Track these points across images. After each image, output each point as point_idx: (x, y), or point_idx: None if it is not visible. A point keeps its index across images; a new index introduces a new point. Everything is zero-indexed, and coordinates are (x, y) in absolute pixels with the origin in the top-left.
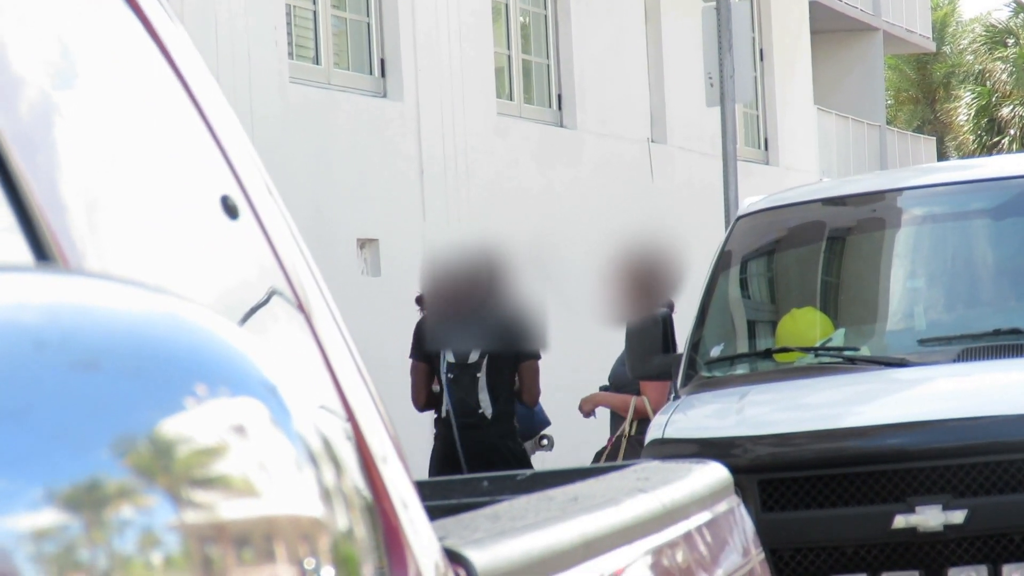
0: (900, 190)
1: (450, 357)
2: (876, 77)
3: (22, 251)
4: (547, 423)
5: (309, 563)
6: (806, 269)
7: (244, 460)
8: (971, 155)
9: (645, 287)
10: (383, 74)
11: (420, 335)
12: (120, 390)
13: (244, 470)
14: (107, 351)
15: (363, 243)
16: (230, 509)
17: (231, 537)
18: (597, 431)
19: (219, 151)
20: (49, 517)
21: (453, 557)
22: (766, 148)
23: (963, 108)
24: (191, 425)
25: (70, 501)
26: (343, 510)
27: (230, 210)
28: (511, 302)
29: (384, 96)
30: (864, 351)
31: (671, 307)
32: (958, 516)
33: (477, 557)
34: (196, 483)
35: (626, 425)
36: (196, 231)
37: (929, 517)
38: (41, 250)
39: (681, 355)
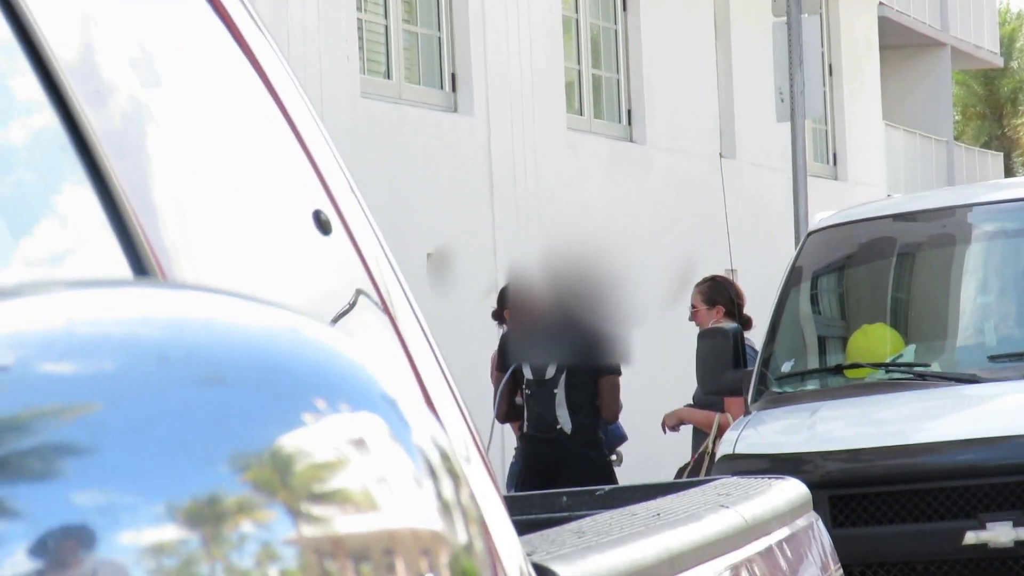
0: (970, 206)
1: (528, 373)
2: (944, 92)
3: (121, 264)
4: (624, 439)
5: None
6: (877, 285)
7: (364, 474)
8: None
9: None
10: (454, 89)
11: (504, 347)
12: (243, 405)
13: (364, 484)
14: (231, 365)
15: (431, 256)
16: (350, 524)
17: (350, 552)
18: (673, 448)
19: (311, 166)
20: (169, 532)
21: (541, 572)
22: (835, 163)
23: None
24: (312, 439)
25: (190, 516)
26: (462, 524)
27: (322, 225)
28: (591, 315)
29: (455, 111)
30: (935, 367)
31: (748, 324)
32: None
33: (565, 572)
34: (316, 498)
35: (709, 442)
36: (289, 246)
37: (1000, 533)
38: (140, 263)
39: (752, 371)
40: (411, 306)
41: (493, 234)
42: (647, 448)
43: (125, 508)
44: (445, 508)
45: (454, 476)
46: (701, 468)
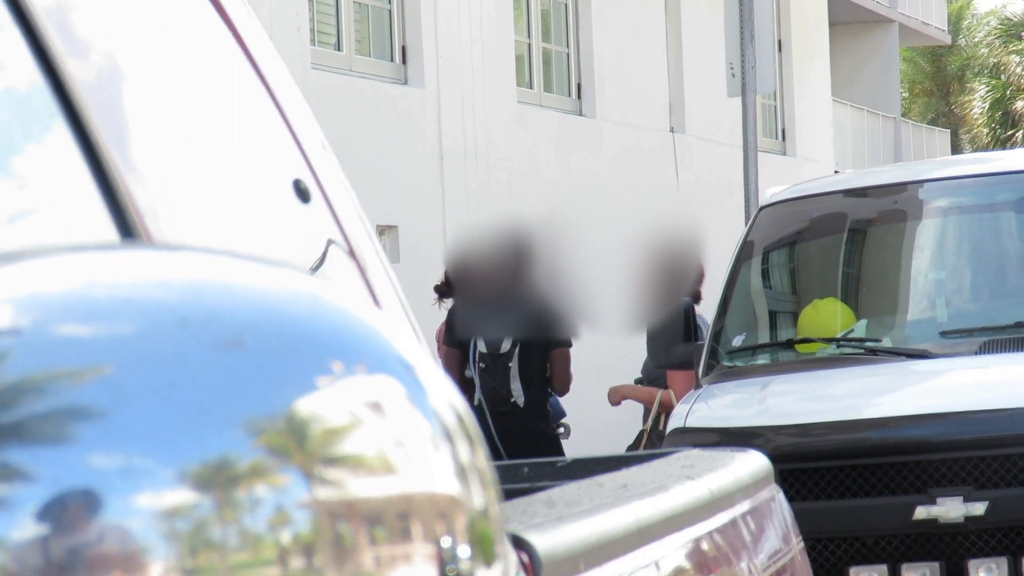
0: (922, 182)
1: (482, 347)
2: (891, 69)
3: (106, 224)
4: (563, 414)
5: (445, 541)
6: (828, 260)
7: (381, 437)
8: (985, 148)
9: (666, 280)
10: (404, 61)
11: (452, 321)
12: (263, 369)
13: (380, 448)
14: (251, 330)
15: (382, 230)
16: (365, 487)
17: (365, 516)
18: (620, 421)
19: (291, 136)
20: (185, 496)
21: (515, 541)
22: (783, 139)
23: (977, 101)
24: (330, 404)
25: (206, 480)
26: (479, 488)
27: (302, 194)
28: (541, 288)
29: (405, 83)
30: (886, 342)
31: (698, 297)
32: (979, 508)
33: (539, 541)
34: (332, 462)
35: (650, 419)
36: (269, 213)
37: (950, 509)
38: (125, 223)
39: (703, 345)
40: (388, 275)
41: (443, 207)
42: (593, 422)
43: (141, 472)
44: (461, 472)
45: (470, 440)
46: (640, 445)
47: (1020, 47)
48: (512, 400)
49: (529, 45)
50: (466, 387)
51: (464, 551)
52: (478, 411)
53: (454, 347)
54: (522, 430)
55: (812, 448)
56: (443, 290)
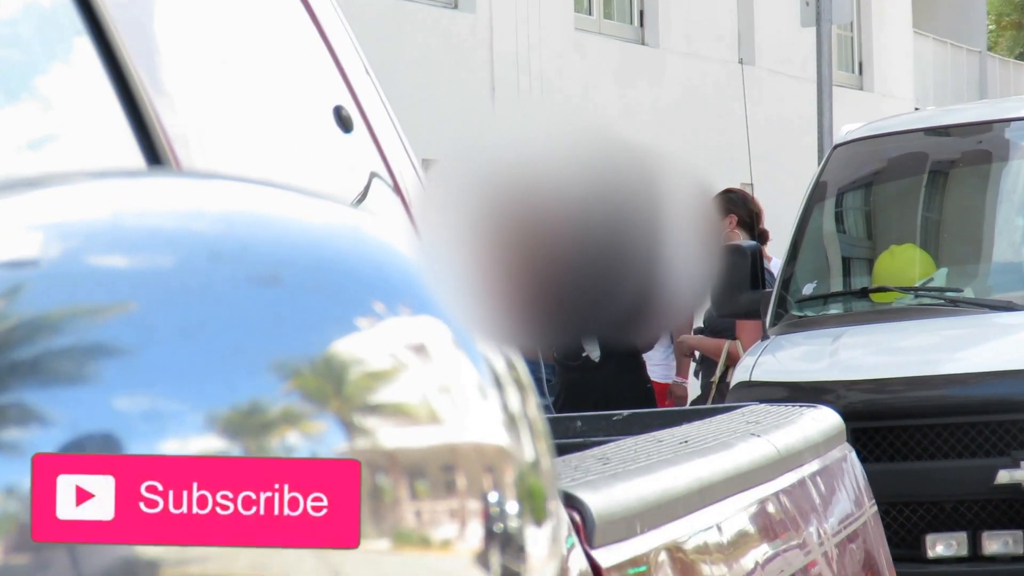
0: (1008, 120)
1: None
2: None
3: (133, 150)
4: None
5: (492, 496)
6: (907, 203)
7: (424, 383)
8: None
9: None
10: None
11: None
12: (300, 307)
13: (424, 394)
14: (287, 264)
15: (429, 163)
16: (407, 437)
17: (406, 468)
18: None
19: (332, 61)
20: (214, 442)
21: (567, 499)
22: (860, 73)
23: None
24: (371, 346)
25: (236, 425)
26: (528, 439)
27: (343, 122)
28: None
29: (455, 7)
30: (967, 292)
31: (765, 238)
32: None
33: (592, 500)
34: (371, 409)
35: (717, 371)
36: (308, 143)
37: None
38: (153, 149)
39: (771, 292)
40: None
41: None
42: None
43: (167, 415)
44: (511, 421)
45: (520, 387)
46: (708, 399)
47: None
48: (584, 355)
49: None
50: None
51: (512, 507)
52: (559, 365)
53: None
54: (602, 386)
55: (887, 405)
56: None
